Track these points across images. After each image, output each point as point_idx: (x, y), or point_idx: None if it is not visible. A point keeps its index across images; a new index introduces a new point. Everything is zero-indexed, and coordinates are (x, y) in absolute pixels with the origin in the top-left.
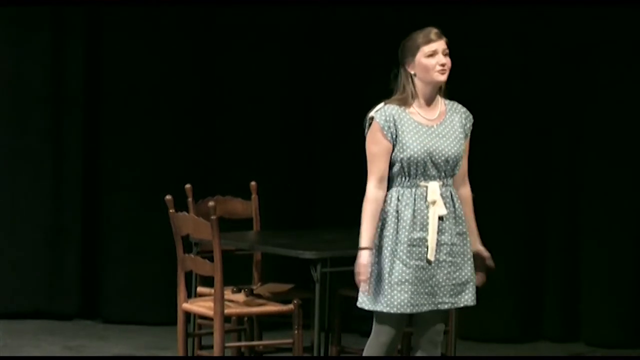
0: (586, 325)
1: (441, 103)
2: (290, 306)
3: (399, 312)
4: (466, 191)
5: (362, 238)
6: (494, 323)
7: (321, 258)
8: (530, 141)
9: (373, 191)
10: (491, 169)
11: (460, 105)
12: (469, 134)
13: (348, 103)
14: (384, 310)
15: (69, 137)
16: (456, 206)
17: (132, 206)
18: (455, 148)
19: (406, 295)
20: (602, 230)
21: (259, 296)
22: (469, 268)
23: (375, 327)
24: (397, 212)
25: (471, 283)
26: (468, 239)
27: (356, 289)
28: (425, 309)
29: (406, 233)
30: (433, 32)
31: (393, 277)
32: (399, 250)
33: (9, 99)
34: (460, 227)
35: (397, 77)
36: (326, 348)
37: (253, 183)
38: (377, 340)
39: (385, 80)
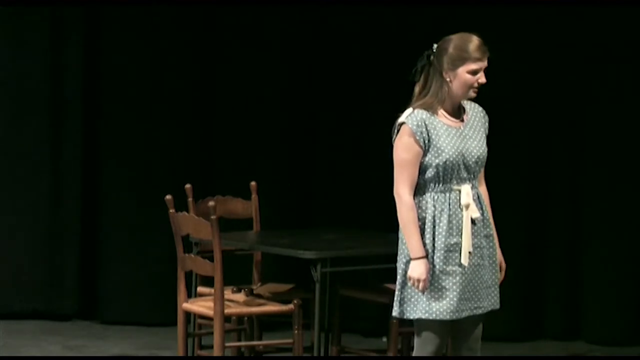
0: (587, 324)
1: (462, 103)
2: (290, 306)
3: (437, 318)
4: (483, 190)
5: (413, 248)
6: (494, 322)
7: (321, 258)
8: (531, 139)
9: (410, 198)
10: (493, 167)
11: (476, 105)
12: (487, 133)
13: (348, 103)
14: (428, 318)
15: (68, 137)
16: (483, 208)
17: (131, 206)
18: (483, 148)
19: (445, 301)
20: (604, 229)
21: (259, 296)
22: (495, 271)
23: (418, 338)
24: (434, 218)
25: (496, 286)
26: (494, 241)
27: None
28: (464, 314)
29: (443, 239)
30: (482, 47)
31: (433, 284)
32: (436, 257)
33: (8, 99)
34: (488, 229)
35: (422, 73)
36: (326, 348)
37: (253, 183)
38: (423, 351)
39: (385, 81)
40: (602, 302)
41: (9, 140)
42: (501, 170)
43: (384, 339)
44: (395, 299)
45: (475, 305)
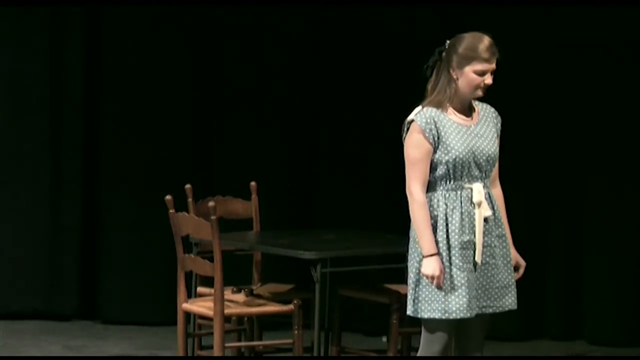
0: (588, 324)
1: (473, 103)
2: (290, 306)
3: (457, 317)
4: (498, 191)
5: (425, 245)
6: (494, 321)
7: (321, 258)
8: (532, 140)
9: (421, 195)
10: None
11: (489, 106)
12: (499, 134)
13: (349, 103)
14: (442, 317)
15: (69, 137)
16: (495, 208)
17: (132, 206)
18: (494, 147)
19: (464, 299)
20: (604, 229)
21: (259, 296)
22: (510, 271)
23: (425, 336)
24: (446, 216)
25: (513, 286)
26: (507, 241)
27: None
28: (474, 312)
29: (456, 237)
30: (491, 48)
31: (449, 282)
32: (452, 255)
33: (8, 99)
34: (500, 229)
35: (434, 70)
36: (326, 348)
37: (253, 183)
38: (430, 350)
39: (386, 82)
40: (602, 302)
41: (9, 140)
42: (501, 171)
43: (384, 339)
44: (408, 297)
45: (484, 304)
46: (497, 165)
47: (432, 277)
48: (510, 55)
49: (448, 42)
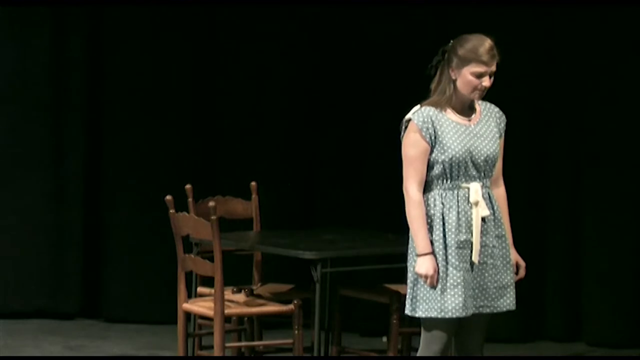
0: (587, 325)
1: (476, 103)
2: (291, 306)
3: (453, 316)
4: (501, 191)
5: (420, 244)
6: (494, 322)
7: (321, 258)
8: (531, 140)
9: (417, 194)
10: None
11: (493, 106)
12: (503, 134)
13: (348, 103)
14: (438, 316)
15: (70, 137)
16: (495, 208)
17: (132, 206)
18: (493, 148)
19: (460, 299)
20: (604, 230)
21: (259, 296)
22: (509, 271)
23: (425, 336)
24: (442, 215)
25: (512, 287)
26: (507, 242)
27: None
28: (470, 312)
29: (453, 236)
30: (490, 51)
31: (446, 281)
32: (448, 254)
33: (9, 99)
34: (499, 229)
35: (437, 70)
36: (326, 348)
37: (253, 183)
38: (429, 349)
39: (386, 82)
40: (602, 303)
41: (11, 139)
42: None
43: (384, 339)
44: (407, 297)
45: (481, 304)
46: (499, 165)
47: (426, 276)
48: (510, 55)
49: (452, 41)
